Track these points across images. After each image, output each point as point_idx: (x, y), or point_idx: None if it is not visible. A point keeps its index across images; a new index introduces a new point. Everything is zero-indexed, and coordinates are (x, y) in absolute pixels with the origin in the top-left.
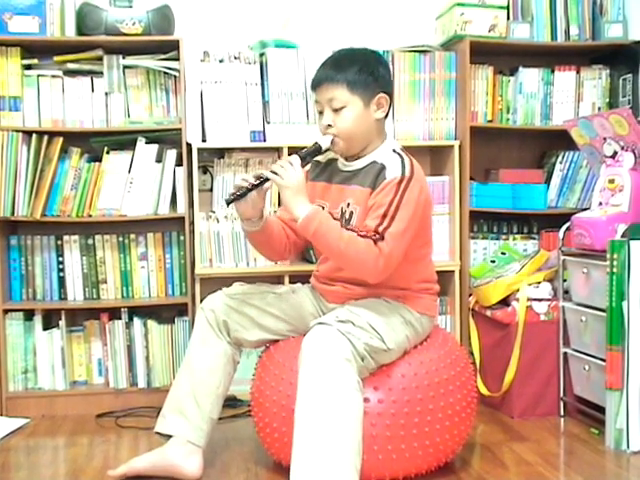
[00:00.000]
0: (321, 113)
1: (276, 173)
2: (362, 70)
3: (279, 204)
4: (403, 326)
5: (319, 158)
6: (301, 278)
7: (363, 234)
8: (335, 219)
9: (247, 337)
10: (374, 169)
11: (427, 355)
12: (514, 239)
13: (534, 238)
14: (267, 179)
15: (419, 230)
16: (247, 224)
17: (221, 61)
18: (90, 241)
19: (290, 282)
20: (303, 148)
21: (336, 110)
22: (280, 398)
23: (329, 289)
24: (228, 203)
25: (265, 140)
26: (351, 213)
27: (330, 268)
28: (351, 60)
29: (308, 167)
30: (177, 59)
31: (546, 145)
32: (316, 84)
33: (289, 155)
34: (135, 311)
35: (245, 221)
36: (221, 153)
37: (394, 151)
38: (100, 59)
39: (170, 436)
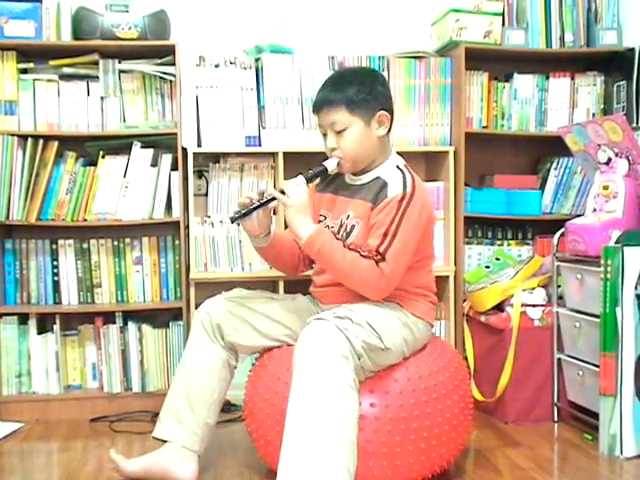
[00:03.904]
0: (325, 135)
1: (282, 192)
2: (360, 90)
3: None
4: (400, 328)
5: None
6: (297, 283)
7: (365, 254)
8: (336, 236)
9: (241, 341)
10: (377, 185)
11: (427, 363)
12: (508, 245)
13: (528, 244)
14: (272, 198)
15: (420, 244)
16: (255, 241)
17: (217, 66)
18: (85, 245)
19: (285, 287)
20: (309, 170)
21: (339, 132)
22: (275, 405)
23: (325, 290)
24: (233, 221)
25: (260, 145)
26: (352, 227)
27: (327, 278)
28: (349, 81)
29: (316, 180)
30: (173, 64)
31: (541, 151)
32: (317, 108)
33: (296, 175)
34: (130, 315)
35: (253, 238)
36: (216, 158)
37: (397, 167)
38: (96, 63)
39: (165, 440)
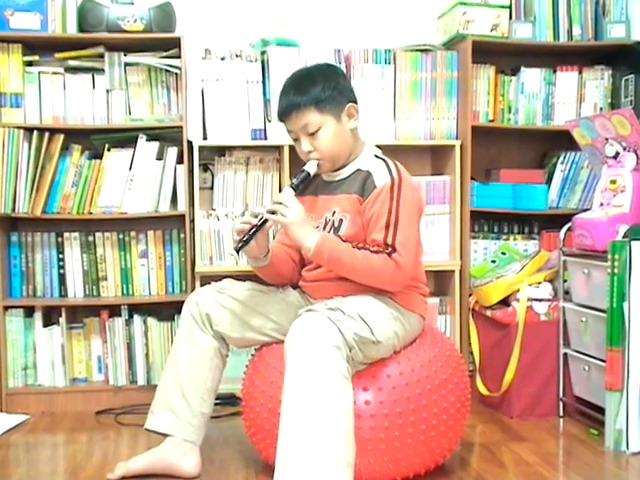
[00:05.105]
0: (296, 140)
1: (275, 212)
2: (325, 87)
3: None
4: (392, 321)
5: None
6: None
7: (375, 249)
8: (340, 238)
9: (229, 333)
10: (360, 176)
11: (418, 355)
12: (514, 239)
13: (534, 238)
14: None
15: None
16: (255, 262)
17: (222, 59)
18: (90, 238)
19: None
20: (293, 180)
21: (312, 134)
22: (272, 397)
23: (315, 285)
24: (238, 251)
25: (266, 138)
26: (340, 221)
27: (317, 273)
28: (311, 80)
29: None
30: (178, 57)
31: (547, 145)
32: (284, 114)
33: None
34: (135, 309)
35: (253, 260)
36: (222, 151)
37: (376, 156)
38: (101, 56)
39: (159, 432)
